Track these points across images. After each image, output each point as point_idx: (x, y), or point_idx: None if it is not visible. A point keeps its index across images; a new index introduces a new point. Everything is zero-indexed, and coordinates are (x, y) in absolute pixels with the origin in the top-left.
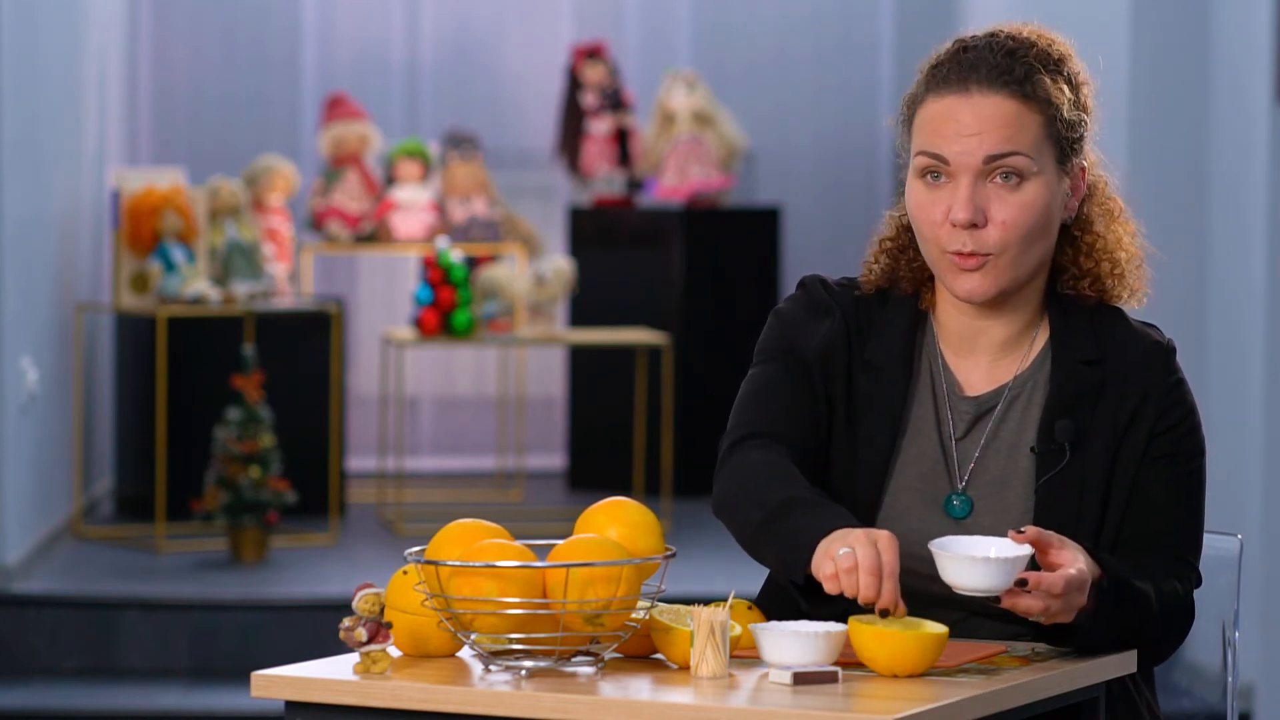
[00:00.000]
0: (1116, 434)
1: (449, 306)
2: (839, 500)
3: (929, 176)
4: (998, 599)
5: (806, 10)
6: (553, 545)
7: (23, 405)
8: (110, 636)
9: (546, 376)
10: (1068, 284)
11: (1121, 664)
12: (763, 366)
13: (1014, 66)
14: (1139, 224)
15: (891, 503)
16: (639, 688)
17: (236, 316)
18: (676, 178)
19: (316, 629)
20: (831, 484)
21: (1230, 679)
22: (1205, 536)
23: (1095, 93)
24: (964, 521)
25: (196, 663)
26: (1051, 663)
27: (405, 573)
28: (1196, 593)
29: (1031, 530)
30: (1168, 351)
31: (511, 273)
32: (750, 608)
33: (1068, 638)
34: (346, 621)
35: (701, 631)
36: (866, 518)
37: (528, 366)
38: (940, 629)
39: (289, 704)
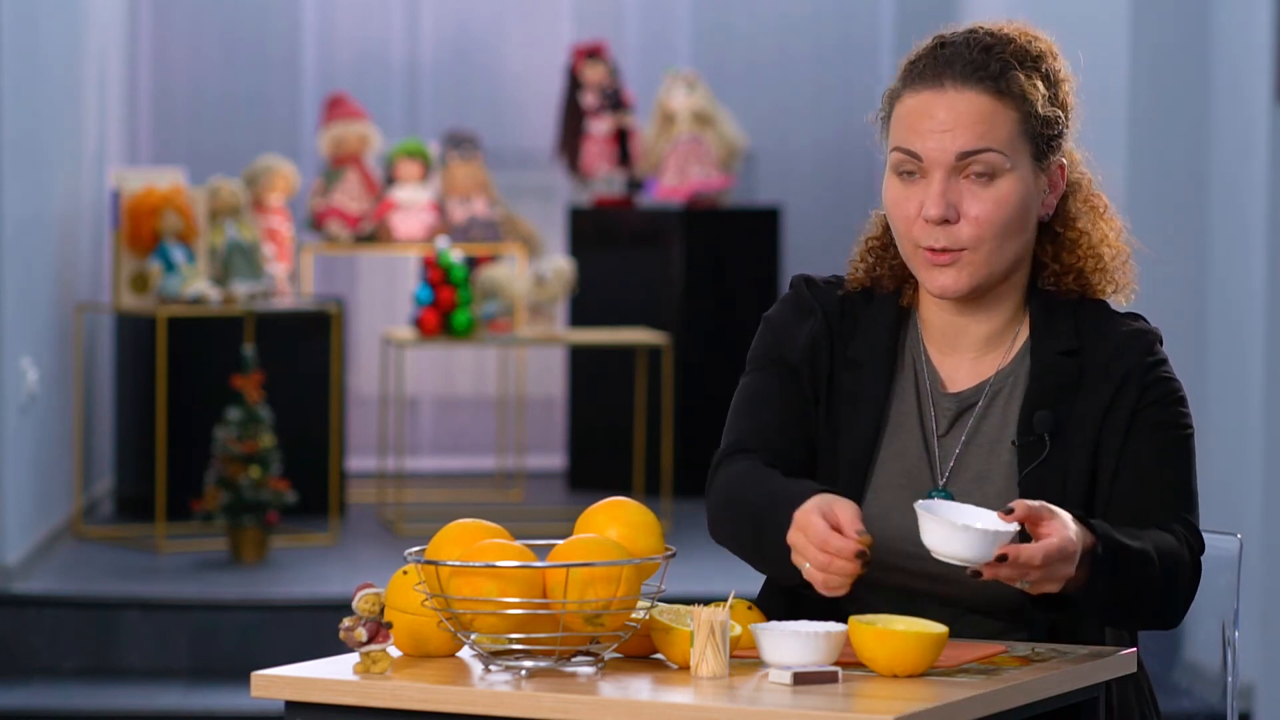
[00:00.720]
0: (1097, 421)
1: (449, 306)
2: None
3: (903, 173)
4: (977, 572)
5: (806, 10)
6: (553, 545)
7: (23, 405)
8: (110, 636)
9: (546, 376)
10: (1049, 280)
11: (1121, 664)
12: (751, 376)
13: (989, 62)
14: (1125, 220)
15: (874, 499)
16: (639, 688)
17: (236, 316)
18: (676, 178)
19: (316, 629)
20: (816, 481)
21: (1230, 679)
22: (1206, 536)
23: (1076, 90)
24: None
25: (196, 663)
26: (1051, 663)
27: (405, 573)
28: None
29: (1020, 508)
30: (1149, 336)
31: (511, 273)
32: (750, 608)
33: (1065, 607)
34: (346, 621)
35: (701, 631)
36: None
37: (528, 366)
38: (940, 629)
39: (289, 704)
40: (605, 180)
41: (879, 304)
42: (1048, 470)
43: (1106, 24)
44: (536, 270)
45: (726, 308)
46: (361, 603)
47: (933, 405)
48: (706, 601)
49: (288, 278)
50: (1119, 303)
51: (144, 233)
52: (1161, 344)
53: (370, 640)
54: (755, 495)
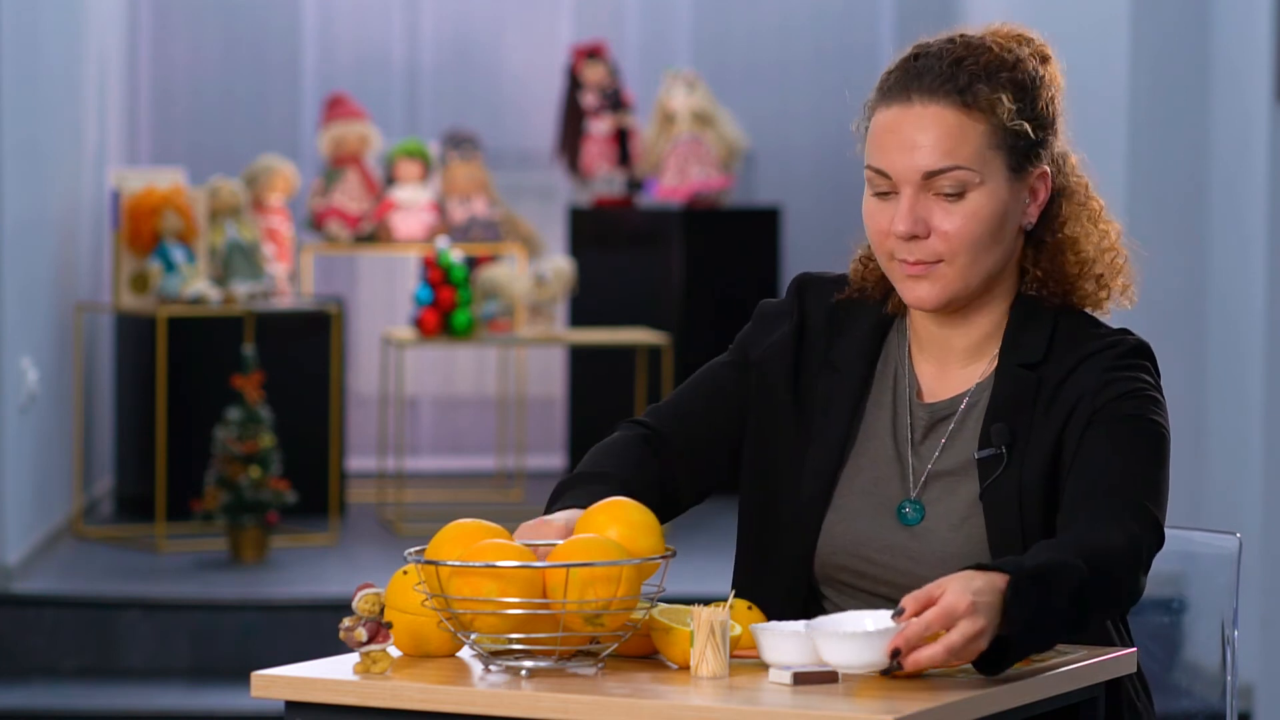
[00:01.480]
0: (1056, 435)
1: (449, 306)
2: (783, 498)
3: (877, 189)
4: (894, 669)
5: (807, 10)
6: (553, 545)
7: (23, 405)
8: (110, 636)
9: (546, 376)
10: (1031, 287)
11: (1122, 664)
12: (715, 361)
13: (957, 75)
14: (1123, 222)
15: (840, 504)
16: (639, 688)
17: (236, 316)
18: (676, 178)
19: (316, 629)
20: (770, 481)
21: (1230, 679)
22: (1205, 536)
23: (1064, 93)
24: (915, 528)
25: (196, 663)
26: (1052, 663)
27: (405, 573)
28: (1196, 592)
29: (909, 604)
30: (1122, 347)
31: (511, 273)
32: (750, 608)
33: (1014, 649)
34: (346, 621)
35: (701, 631)
36: (814, 516)
37: (528, 366)
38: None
39: (289, 704)
40: (605, 180)
41: (865, 309)
42: (1005, 484)
43: (1106, 24)
44: (536, 270)
45: (726, 308)
46: (361, 603)
47: (909, 414)
48: (706, 601)
49: (288, 278)
50: (1122, 306)
51: (144, 233)
52: (1146, 355)
53: (370, 640)
54: (586, 463)
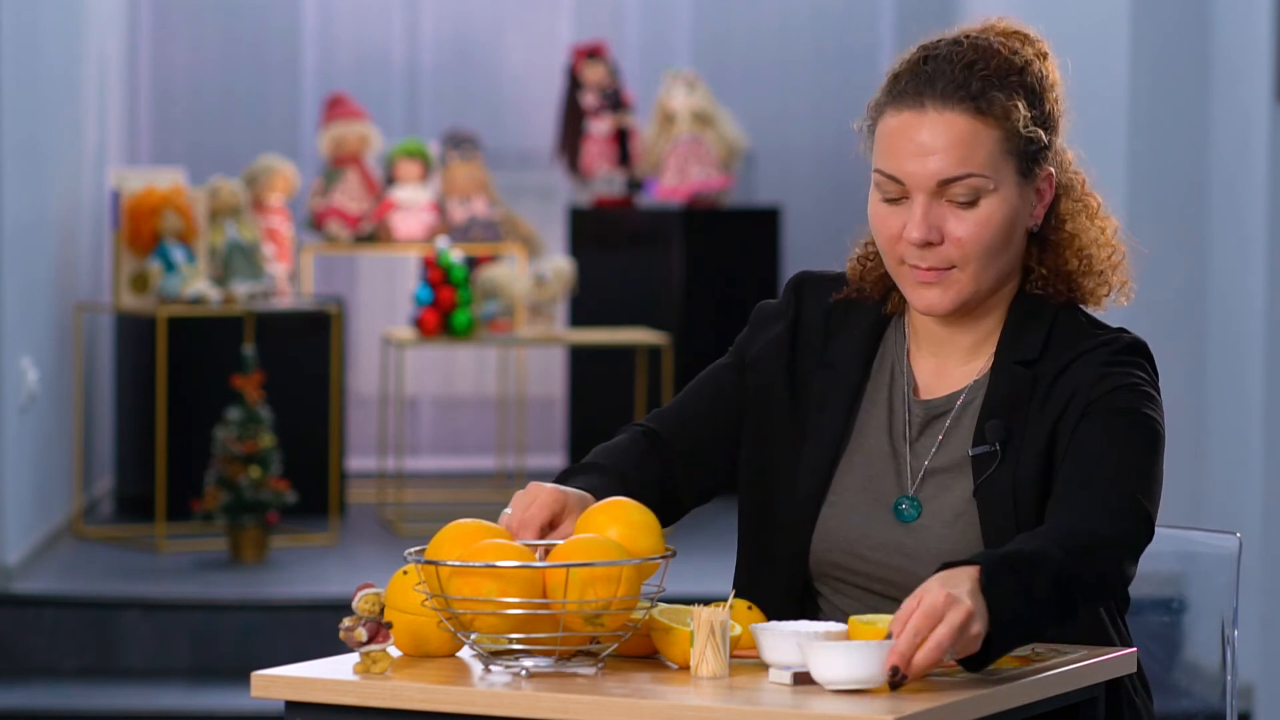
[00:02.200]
0: (1050, 432)
1: (449, 306)
2: (779, 496)
3: (886, 194)
4: (897, 682)
5: (807, 10)
6: (553, 545)
7: (23, 405)
8: (110, 636)
9: (546, 376)
10: (1036, 285)
11: (1121, 664)
12: (717, 363)
13: (970, 81)
14: (1122, 220)
15: (836, 500)
16: (639, 688)
17: (236, 316)
18: (676, 178)
19: (316, 629)
20: (767, 480)
21: (1229, 678)
22: (1205, 536)
23: (1065, 92)
24: (912, 525)
25: (196, 663)
26: (1051, 663)
27: (405, 573)
28: (1196, 592)
29: (894, 625)
30: (1118, 344)
31: (511, 273)
32: (750, 608)
33: (1001, 641)
34: (346, 621)
35: (701, 631)
36: (808, 512)
37: (528, 366)
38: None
39: (289, 704)
40: (605, 180)
41: (863, 307)
42: (999, 480)
43: (1106, 24)
44: (536, 270)
45: (726, 308)
46: (361, 603)
47: (906, 411)
48: (706, 601)
49: (288, 278)
50: (1120, 303)
51: (144, 233)
52: (1142, 353)
53: (370, 640)
54: (591, 456)
